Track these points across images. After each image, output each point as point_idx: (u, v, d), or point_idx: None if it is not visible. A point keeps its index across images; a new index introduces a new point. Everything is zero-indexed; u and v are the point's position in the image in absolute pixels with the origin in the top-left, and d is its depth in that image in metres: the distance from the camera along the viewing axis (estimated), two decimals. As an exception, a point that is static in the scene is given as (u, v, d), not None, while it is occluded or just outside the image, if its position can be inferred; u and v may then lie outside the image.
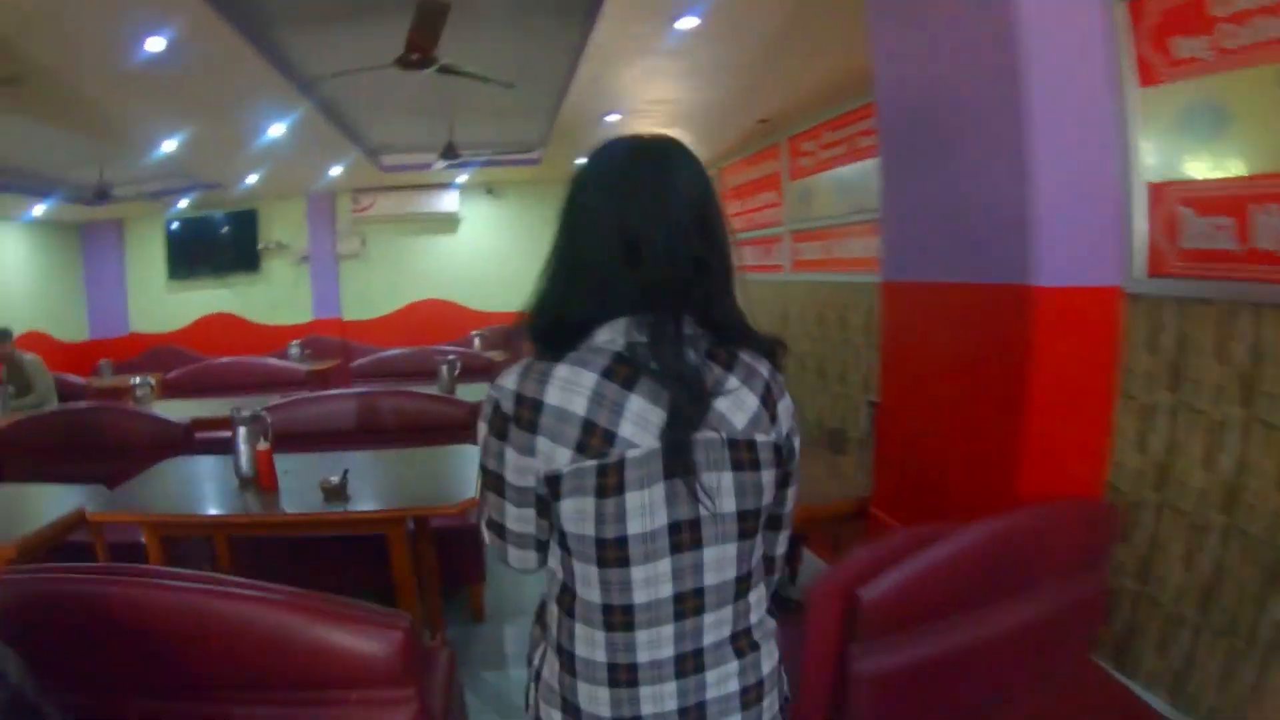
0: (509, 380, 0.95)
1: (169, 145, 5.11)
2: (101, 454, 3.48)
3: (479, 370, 6.12)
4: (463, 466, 2.72)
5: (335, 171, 6.91)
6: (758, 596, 1.01)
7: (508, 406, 0.93)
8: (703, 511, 0.92)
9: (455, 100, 5.26)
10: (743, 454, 0.93)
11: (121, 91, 4.16)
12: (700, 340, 0.94)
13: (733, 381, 0.94)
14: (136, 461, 2.96)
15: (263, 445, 2.53)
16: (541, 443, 0.90)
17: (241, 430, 2.53)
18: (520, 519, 0.97)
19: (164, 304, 8.93)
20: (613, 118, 4.94)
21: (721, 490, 0.92)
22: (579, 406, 0.89)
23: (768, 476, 0.96)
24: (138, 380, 4.68)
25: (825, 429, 3.85)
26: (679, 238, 0.91)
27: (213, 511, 2.48)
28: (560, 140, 5.97)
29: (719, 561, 0.94)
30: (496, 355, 6.83)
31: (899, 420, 2.32)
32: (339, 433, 3.53)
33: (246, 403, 4.64)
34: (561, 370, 0.91)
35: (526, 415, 0.91)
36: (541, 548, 1.00)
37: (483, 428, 0.97)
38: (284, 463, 2.60)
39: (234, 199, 8.27)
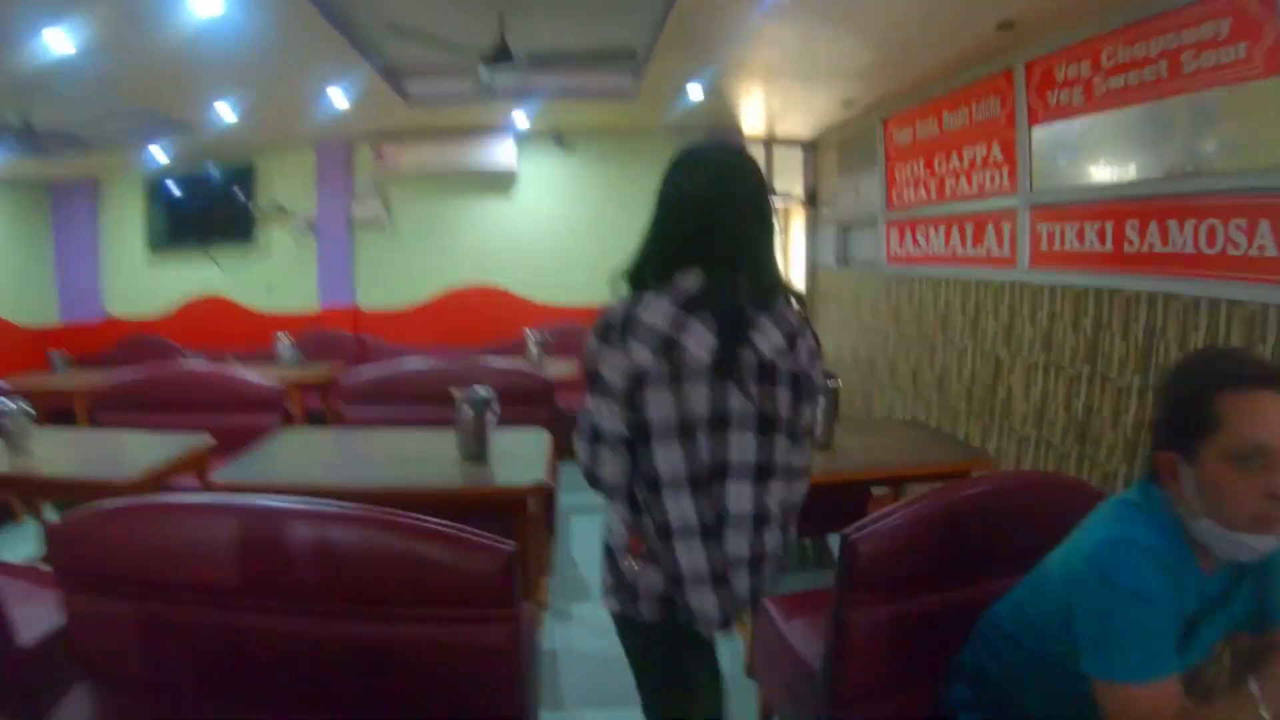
0: (618, 307, 1.39)
1: (53, 35, 3.20)
2: None
3: (533, 398, 3.94)
4: None
5: (339, 100, 4.85)
6: (779, 488, 1.41)
7: (616, 322, 1.37)
8: (733, 406, 1.35)
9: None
10: (766, 372, 1.37)
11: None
12: (748, 289, 1.38)
13: (765, 320, 1.39)
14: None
15: None
16: (634, 345, 1.33)
17: None
18: (613, 415, 1.36)
19: (144, 282, 7.08)
20: (773, -2, 2.87)
21: (749, 394, 1.37)
22: (661, 324, 1.34)
23: (783, 393, 1.40)
24: (10, 405, 3.23)
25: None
26: (741, 222, 1.39)
27: None
28: (672, 48, 3.80)
29: (741, 444, 1.36)
30: (559, 369, 4.79)
31: None
32: (214, 592, 1.61)
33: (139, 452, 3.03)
34: (650, 299, 1.37)
35: (627, 326, 1.35)
36: (627, 451, 1.37)
37: (593, 341, 1.39)
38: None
39: (224, 150, 6.37)
